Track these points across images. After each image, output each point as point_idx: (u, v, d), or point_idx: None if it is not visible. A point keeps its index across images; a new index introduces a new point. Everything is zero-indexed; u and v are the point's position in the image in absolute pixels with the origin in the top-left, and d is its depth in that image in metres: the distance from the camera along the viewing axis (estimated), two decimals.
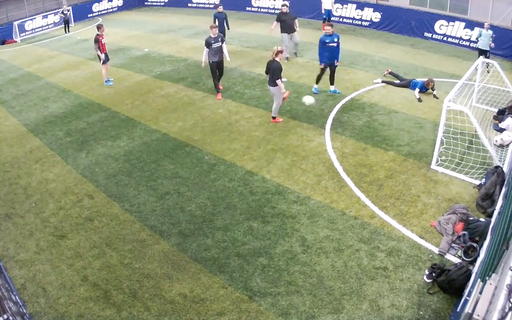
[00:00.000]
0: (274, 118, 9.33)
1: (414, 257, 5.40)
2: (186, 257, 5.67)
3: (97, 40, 11.94)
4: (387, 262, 5.36)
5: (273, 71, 8.71)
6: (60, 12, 22.96)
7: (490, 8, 14.78)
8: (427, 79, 10.56)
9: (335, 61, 10.36)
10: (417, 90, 10.39)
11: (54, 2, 24.70)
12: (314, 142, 8.42)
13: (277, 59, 8.74)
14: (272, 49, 8.86)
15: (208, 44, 10.34)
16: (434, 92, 10.34)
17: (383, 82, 11.30)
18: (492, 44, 12.06)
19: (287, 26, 13.18)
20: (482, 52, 12.05)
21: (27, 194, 7.38)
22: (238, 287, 5.13)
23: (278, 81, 8.74)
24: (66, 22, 21.96)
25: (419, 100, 10.11)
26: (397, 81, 11.17)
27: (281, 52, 8.84)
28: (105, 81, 12.62)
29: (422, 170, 7.29)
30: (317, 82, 10.72)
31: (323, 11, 17.51)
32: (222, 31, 13.61)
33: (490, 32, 12.05)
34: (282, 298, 4.95)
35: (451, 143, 7.47)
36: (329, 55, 10.13)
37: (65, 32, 21.77)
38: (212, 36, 10.35)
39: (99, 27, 12.06)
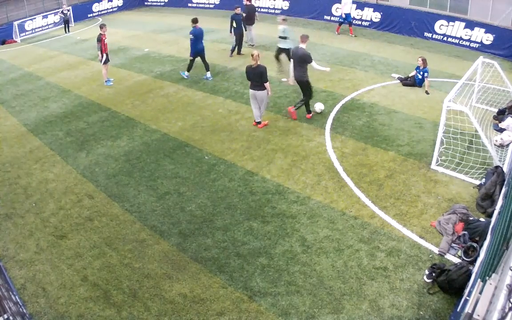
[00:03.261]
0: (259, 123, 9.14)
1: (414, 257, 5.40)
2: (186, 257, 5.67)
3: (99, 39, 11.96)
4: (387, 262, 5.36)
5: (262, 75, 8.45)
6: (60, 12, 22.95)
7: (490, 8, 14.76)
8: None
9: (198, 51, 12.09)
10: (414, 72, 10.93)
11: (54, 2, 24.70)
12: (314, 142, 8.42)
13: (259, 62, 8.45)
14: (253, 55, 8.41)
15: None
16: (427, 88, 10.60)
17: (398, 78, 11.44)
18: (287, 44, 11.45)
19: (250, 19, 14.82)
20: (281, 51, 11.72)
21: (27, 194, 7.38)
22: (238, 287, 5.13)
23: (267, 84, 8.60)
24: (66, 22, 21.95)
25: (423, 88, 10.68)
26: (405, 80, 11.29)
27: (258, 55, 8.49)
28: (105, 81, 12.63)
29: (422, 170, 7.29)
30: (188, 70, 12.51)
31: (343, 15, 16.73)
32: (240, 33, 13.96)
33: (281, 27, 11.45)
34: (282, 298, 4.95)
35: (451, 143, 7.47)
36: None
37: (65, 32, 21.77)
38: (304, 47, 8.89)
39: (101, 26, 12.12)
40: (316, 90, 10.97)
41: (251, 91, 8.80)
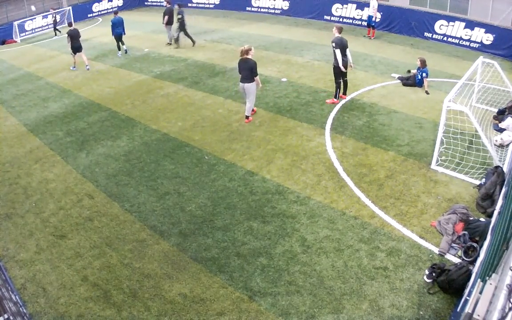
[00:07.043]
0: (247, 117, 9.37)
1: (414, 257, 5.40)
2: (186, 257, 5.67)
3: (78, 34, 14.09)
4: (387, 262, 5.36)
5: (252, 69, 8.77)
6: (51, 16, 22.60)
7: (490, 8, 14.77)
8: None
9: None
10: (414, 71, 11.09)
11: (54, 2, 24.69)
12: (314, 142, 8.42)
13: (249, 56, 8.79)
14: (242, 49, 8.81)
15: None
16: (426, 88, 10.60)
17: (399, 78, 11.45)
18: None
19: (169, 19, 16.41)
20: None
21: (27, 194, 7.38)
22: (238, 287, 5.13)
23: (257, 78, 8.92)
24: (55, 24, 21.75)
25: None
26: (406, 80, 11.28)
27: (250, 49, 8.88)
28: (72, 67, 14.52)
29: (422, 170, 7.29)
30: (119, 49, 15.87)
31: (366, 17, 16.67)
32: None
33: None
34: (282, 298, 4.95)
35: (451, 143, 7.47)
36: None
37: (55, 35, 21.52)
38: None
39: (70, 24, 14.82)
40: (316, 90, 10.99)
41: (240, 84, 9.15)
